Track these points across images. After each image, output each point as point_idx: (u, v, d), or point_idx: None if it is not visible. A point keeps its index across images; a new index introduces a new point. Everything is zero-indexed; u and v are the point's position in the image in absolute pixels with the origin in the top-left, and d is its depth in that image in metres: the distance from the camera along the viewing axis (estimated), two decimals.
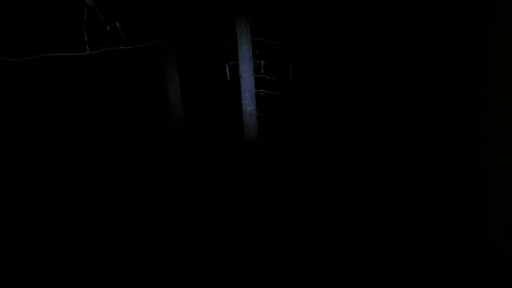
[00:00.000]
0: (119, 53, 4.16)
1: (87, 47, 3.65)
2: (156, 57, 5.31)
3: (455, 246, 3.73)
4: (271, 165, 5.57)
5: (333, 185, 5.23)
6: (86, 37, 3.65)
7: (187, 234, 4.77)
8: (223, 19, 5.55)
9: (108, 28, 3.94)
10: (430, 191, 4.35)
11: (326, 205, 5.05)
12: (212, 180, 5.72)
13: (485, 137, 3.21)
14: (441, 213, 4.11)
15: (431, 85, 4.57)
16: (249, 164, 5.62)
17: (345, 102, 5.41)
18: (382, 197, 4.70)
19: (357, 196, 4.91)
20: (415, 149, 4.64)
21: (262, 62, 5.58)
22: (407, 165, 4.68)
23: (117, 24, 3.92)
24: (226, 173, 5.77)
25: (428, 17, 4.46)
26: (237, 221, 5.06)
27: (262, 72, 5.64)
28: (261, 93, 5.65)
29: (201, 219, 5.06)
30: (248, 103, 5.59)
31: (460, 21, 3.95)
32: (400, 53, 4.84)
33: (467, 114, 3.68)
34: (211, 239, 4.66)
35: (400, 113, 4.89)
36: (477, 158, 3.33)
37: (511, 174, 3.07)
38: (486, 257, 3.19)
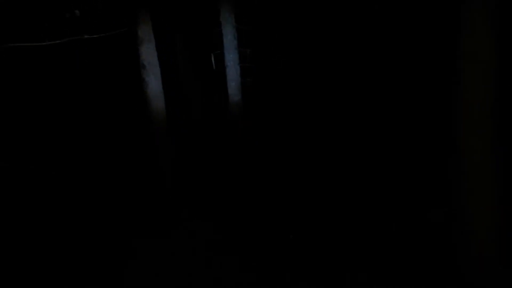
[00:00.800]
0: (87, 42, 3.83)
1: (46, 36, 3.37)
2: (133, 47, 5.02)
3: (431, 238, 3.74)
4: (259, 154, 5.43)
5: (321, 177, 5.12)
6: (45, 26, 3.36)
7: (183, 234, 4.63)
8: (206, 6, 5.29)
9: (67, 16, 3.64)
10: (407, 185, 4.33)
11: (315, 198, 4.96)
12: (200, 174, 5.57)
13: (460, 133, 3.22)
14: (417, 206, 4.08)
15: (404, 78, 4.49)
16: (236, 153, 5.47)
17: (332, 92, 5.26)
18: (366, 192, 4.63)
19: (342, 189, 4.83)
20: (390, 145, 4.60)
21: (248, 50, 5.37)
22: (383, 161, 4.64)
23: (77, 11, 3.62)
24: (214, 166, 5.61)
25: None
26: (229, 217, 4.93)
27: (248, 61, 5.43)
28: (247, 82, 5.46)
29: (189, 219, 4.92)
30: (234, 93, 5.40)
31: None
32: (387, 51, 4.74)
33: (442, 109, 3.66)
34: (207, 238, 4.52)
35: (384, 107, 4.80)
36: (452, 154, 3.32)
37: (482, 167, 3.14)
38: (462, 247, 3.20)
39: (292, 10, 5.34)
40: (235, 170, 5.31)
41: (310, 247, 4.12)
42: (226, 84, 5.37)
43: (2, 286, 3.95)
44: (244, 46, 5.37)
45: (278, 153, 5.39)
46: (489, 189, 3.11)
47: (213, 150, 5.61)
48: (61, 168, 5.20)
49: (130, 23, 5.17)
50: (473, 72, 3.15)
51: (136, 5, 5.12)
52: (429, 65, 4.30)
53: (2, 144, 4.91)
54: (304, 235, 4.29)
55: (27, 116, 5.28)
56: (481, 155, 3.11)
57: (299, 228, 4.45)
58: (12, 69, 5.35)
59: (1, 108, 5.06)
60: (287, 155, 5.39)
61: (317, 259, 3.93)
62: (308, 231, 4.37)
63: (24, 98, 5.40)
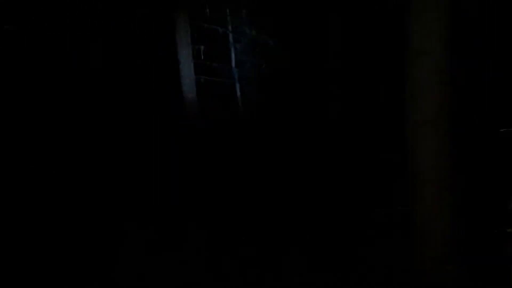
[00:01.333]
0: None
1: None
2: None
3: (381, 235, 3.83)
4: (213, 156, 5.33)
5: (281, 180, 5.11)
6: None
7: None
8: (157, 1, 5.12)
9: None
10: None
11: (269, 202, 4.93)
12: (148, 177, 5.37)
13: (410, 132, 3.30)
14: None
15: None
16: (190, 155, 5.33)
17: (292, 91, 5.26)
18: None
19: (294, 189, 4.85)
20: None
21: (202, 47, 5.24)
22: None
23: None
24: (166, 168, 5.43)
25: None
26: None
27: (202, 57, 5.30)
28: (202, 80, 5.34)
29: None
30: (188, 90, 5.26)
31: None
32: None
33: (394, 107, 3.75)
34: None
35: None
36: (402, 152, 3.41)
37: (433, 166, 3.28)
38: (415, 244, 3.29)
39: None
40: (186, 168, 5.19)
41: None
42: (180, 80, 5.23)
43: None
44: (198, 42, 5.25)
45: (228, 151, 5.33)
46: (441, 186, 3.19)
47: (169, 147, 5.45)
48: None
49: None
50: (422, 69, 3.20)
51: None
52: (380, 63, 4.37)
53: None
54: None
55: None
56: (432, 155, 3.19)
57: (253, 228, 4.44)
58: None
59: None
60: (233, 154, 5.34)
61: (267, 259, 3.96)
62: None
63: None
